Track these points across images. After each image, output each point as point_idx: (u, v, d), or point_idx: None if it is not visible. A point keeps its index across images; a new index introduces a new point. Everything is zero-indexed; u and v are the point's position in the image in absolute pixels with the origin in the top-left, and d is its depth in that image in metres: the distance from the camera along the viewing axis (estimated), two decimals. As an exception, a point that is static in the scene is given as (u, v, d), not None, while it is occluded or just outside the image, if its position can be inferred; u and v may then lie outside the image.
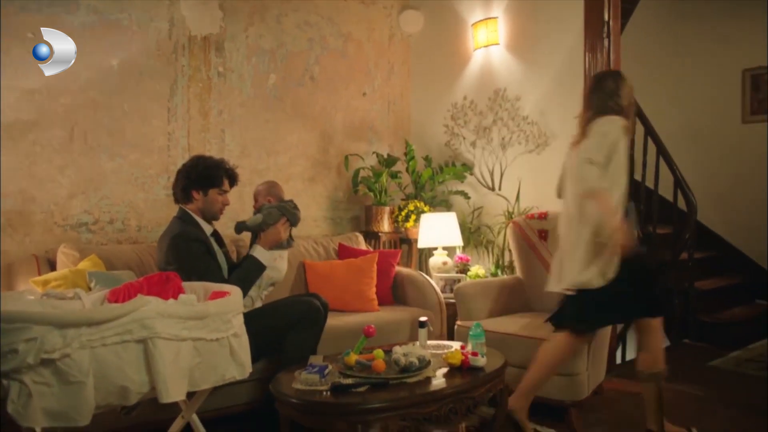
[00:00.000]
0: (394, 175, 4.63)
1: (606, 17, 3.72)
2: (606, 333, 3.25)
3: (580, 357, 2.91)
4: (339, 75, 4.61)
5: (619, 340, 4.15)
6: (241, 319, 2.18)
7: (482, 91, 4.45)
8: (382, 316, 3.51)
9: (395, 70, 4.97)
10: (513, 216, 4.07)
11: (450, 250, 4.31)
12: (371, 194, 4.53)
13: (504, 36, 4.29)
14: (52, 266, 3.05)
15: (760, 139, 5.43)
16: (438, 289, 3.81)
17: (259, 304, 3.06)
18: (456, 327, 3.38)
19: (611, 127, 2.52)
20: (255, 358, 2.33)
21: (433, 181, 4.59)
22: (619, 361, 4.14)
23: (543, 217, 3.69)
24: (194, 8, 3.83)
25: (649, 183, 4.81)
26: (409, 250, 4.58)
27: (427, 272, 4.26)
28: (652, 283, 2.70)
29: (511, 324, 3.22)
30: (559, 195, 2.90)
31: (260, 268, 2.92)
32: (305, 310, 2.84)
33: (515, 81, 4.24)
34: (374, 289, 3.72)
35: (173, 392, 1.86)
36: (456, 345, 2.71)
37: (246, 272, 2.89)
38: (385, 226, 4.48)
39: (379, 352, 2.38)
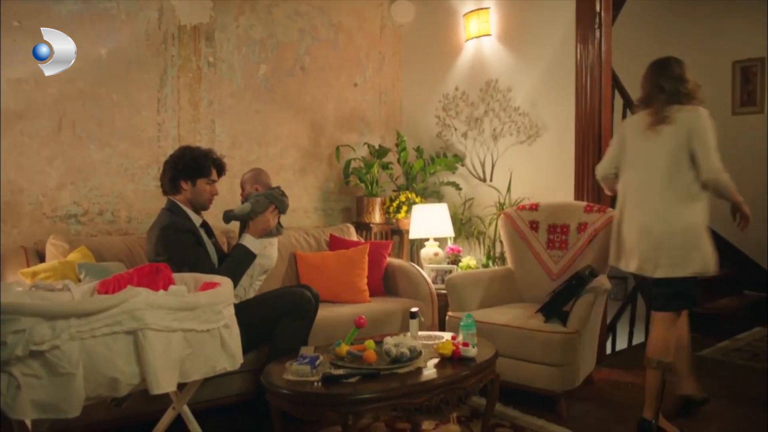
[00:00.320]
0: (385, 166, 4.62)
1: (597, 8, 3.73)
2: (597, 323, 3.28)
3: (572, 347, 2.93)
4: (330, 65, 4.59)
5: (609, 330, 4.17)
6: (231, 310, 2.17)
7: (474, 82, 4.44)
8: (373, 307, 3.51)
9: (386, 60, 4.95)
10: (504, 207, 4.08)
11: (441, 241, 4.31)
12: (362, 185, 4.53)
13: (496, 27, 4.28)
14: (41, 258, 3.03)
15: (750, 130, 5.47)
16: (429, 280, 3.82)
17: (252, 294, 3.05)
18: (447, 318, 3.39)
19: (708, 121, 2.65)
20: (246, 350, 2.33)
21: (424, 172, 4.59)
22: (609, 351, 4.17)
23: (534, 208, 3.70)
24: (184, -3, 3.80)
25: (640, 174, 4.83)
26: (401, 241, 4.58)
27: (419, 263, 4.27)
28: None
29: (502, 315, 3.23)
30: (606, 176, 2.96)
31: (250, 256, 2.91)
32: (296, 301, 2.84)
33: (507, 72, 4.23)
34: (365, 280, 3.72)
35: (164, 383, 1.86)
36: (447, 336, 2.71)
37: (236, 261, 2.88)
38: (377, 217, 4.47)
39: (370, 343, 2.38)
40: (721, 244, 5.78)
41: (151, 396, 1.87)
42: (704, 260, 2.64)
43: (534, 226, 3.65)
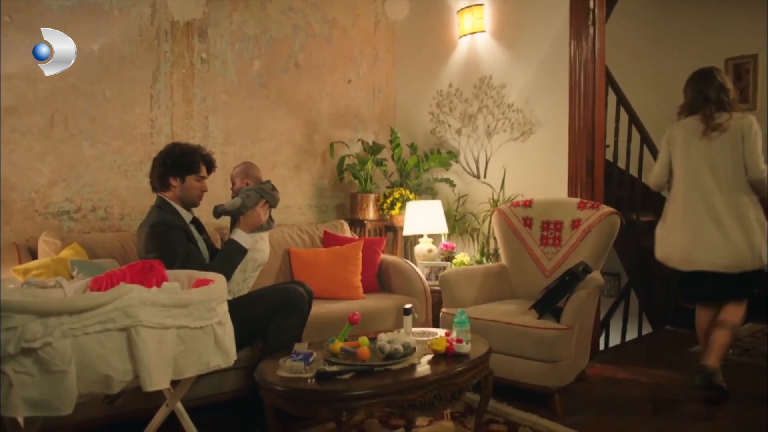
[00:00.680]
0: (379, 163, 4.62)
1: (591, 5, 3.73)
2: (590, 320, 3.29)
3: (566, 343, 2.94)
4: (324, 62, 4.57)
5: (602, 326, 4.19)
6: (225, 306, 2.17)
7: (468, 78, 4.44)
8: (367, 304, 3.51)
9: (380, 57, 4.94)
10: (498, 204, 4.09)
11: (435, 238, 4.32)
12: (356, 182, 4.52)
13: (490, 23, 4.28)
14: (33, 255, 3.01)
15: (742, 127, 5.48)
16: (423, 277, 3.82)
17: (245, 290, 3.04)
18: (441, 314, 3.39)
19: (756, 127, 2.98)
20: (239, 346, 2.33)
21: (418, 168, 4.59)
22: (602, 347, 4.19)
23: (528, 204, 3.70)
24: (177, -7, 3.78)
25: (633, 171, 4.85)
26: (395, 238, 4.58)
27: (413, 260, 4.27)
28: None
29: (495, 311, 3.24)
30: (661, 183, 3.28)
31: (242, 251, 2.90)
32: (290, 297, 2.84)
33: (501, 68, 4.23)
34: (359, 277, 3.72)
35: (157, 381, 1.85)
36: (441, 332, 2.71)
37: (227, 256, 2.87)
38: (371, 213, 4.47)
39: (364, 340, 2.38)
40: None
41: (145, 393, 1.86)
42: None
43: (527, 222, 3.66)
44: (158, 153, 2.92)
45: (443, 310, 3.40)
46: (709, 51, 5.70)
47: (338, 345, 2.35)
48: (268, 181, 3.13)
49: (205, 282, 2.20)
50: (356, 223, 4.48)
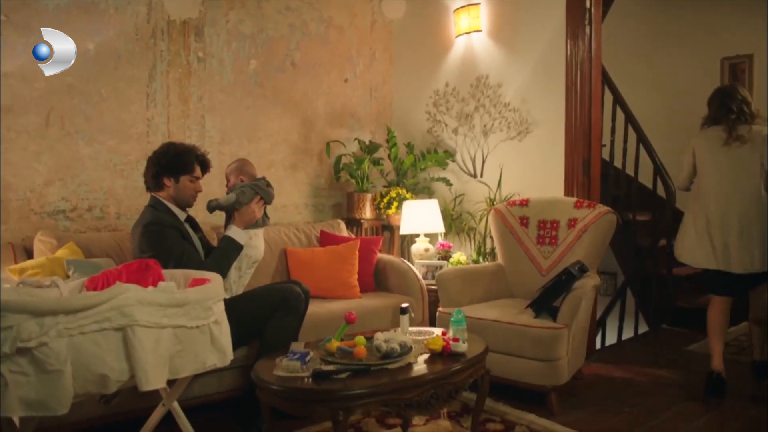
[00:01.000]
0: (376, 162, 4.62)
1: (588, 4, 3.73)
2: (586, 319, 3.29)
3: (562, 342, 2.94)
4: (320, 61, 4.57)
5: (598, 326, 4.20)
6: (221, 306, 2.17)
7: (464, 77, 4.44)
8: (364, 303, 3.51)
9: (377, 56, 4.94)
10: (495, 203, 4.09)
11: (432, 237, 4.31)
12: (353, 181, 4.52)
13: (486, 23, 4.28)
14: (29, 254, 3.00)
15: (737, 127, 5.50)
16: (420, 276, 3.82)
17: (241, 288, 3.04)
18: (437, 313, 3.39)
19: None
20: (236, 346, 2.32)
21: (415, 167, 4.59)
22: (598, 346, 4.20)
23: (524, 203, 3.71)
24: (173, -8, 3.77)
25: (629, 170, 4.86)
26: (391, 237, 4.58)
27: (409, 259, 4.27)
28: None
29: (492, 310, 3.24)
30: (687, 186, 3.44)
31: (237, 248, 2.90)
32: (286, 297, 2.83)
33: (497, 68, 4.23)
34: (356, 276, 3.72)
35: (153, 380, 1.85)
36: (437, 331, 2.71)
37: (223, 253, 2.86)
38: (367, 212, 4.47)
39: (360, 339, 2.38)
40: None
41: (141, 393, 1.86)
42: None
43: (524, 221, 3.66)
44: (153, 152, 2.90)
45: (440, 309, 3.40)
46: (705, 50, 5.72)
47: (335, 344, 2.35)
48: (263, 178, 3.12)
49: (201, 281, 2.20)
50: (353, 223, 4.47)
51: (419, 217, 4.17)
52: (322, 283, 3.60)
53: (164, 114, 3.77)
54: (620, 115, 4.81)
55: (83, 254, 2.95)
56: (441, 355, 2.41)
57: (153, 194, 2.89)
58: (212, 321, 2.08)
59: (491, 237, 3.91)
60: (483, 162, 4.33)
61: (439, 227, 4.22)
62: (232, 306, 2.40)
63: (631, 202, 4.82)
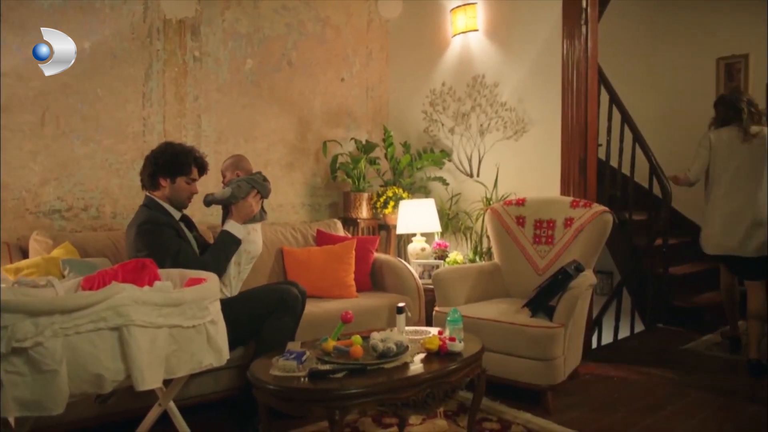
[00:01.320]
0: (372, 162, 4.62)
1: (584, 4, 3.74)
2: (583, 318, 3.30)
3: (558, 341, 2.95)
4: (317, 60, 4.57)
5: (595, 325, 4.21)
6: (218, 305, 2.16)
7: (461, 77, 4.44)
8: (361, 303, 3.51)
9: (374, 55, 4.94)
10: (491, 202, 4.09)
11: (428, 237, 4.32)
12: (349, 180, 4.52)
13: (483, 22, 4.28)
14: (25, 254, 3.00)
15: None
16: (416, 275, 3.82)
17: (240, 284, 3.03)
18: (434, 313, 3.39)
19: None
20: (232, 346, 2.32)
21: (411, 167, 4.59)
22: (594, 345, 4.21)
23: (521, 203, 3.71)
24: (169, -9, 3.76)
25: (625, 170, 4.87)
26: (388, 237, 4.58)
27: (406, 258, 4.27)
28: None
29: (488, 309, 3.24)
30: (700, 179, 3.79)
31: (235, 242, 2.89)
32: (283, 298, 2.83)
33: (494, 67, 4.24)
34: (352, 276, 3.72)
35: (149, 380, 1.85)
36: (434, 330, 2.71)
37: (221, 247, 2.86)
38: (364, 212, 4.47)
39: (357, 338, 2.38)
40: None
41: (137, 392, 1.86)
42: None
43: (520, 221, 3.67)
44: (150, 152, 2.89)
45: (436, 308, 3.40)
46: (700, 50, 5.73)
47: (331, 344, 2.35)
48: (259, 172, 3.12)
49: (197, 281, 2.19)
50: (349, 222, 4.47)
51: (416, 217, 4.17)
52: (319, 282, 3.60)
53: (160, 113, 3.76)
54: (616, 115, 4.82)
55: (79, 254, 2.94)
56: (437, 355, 2.41)
57: (148, 194, 2.88)
58: (208, 320, 2.07)
59: (488, 236, 3.91)
60: (479, 161, 4.33)
61: (435, 227, 4.22)
62: (229, 306, 2.40)
63: (627, 202, 4.83)
